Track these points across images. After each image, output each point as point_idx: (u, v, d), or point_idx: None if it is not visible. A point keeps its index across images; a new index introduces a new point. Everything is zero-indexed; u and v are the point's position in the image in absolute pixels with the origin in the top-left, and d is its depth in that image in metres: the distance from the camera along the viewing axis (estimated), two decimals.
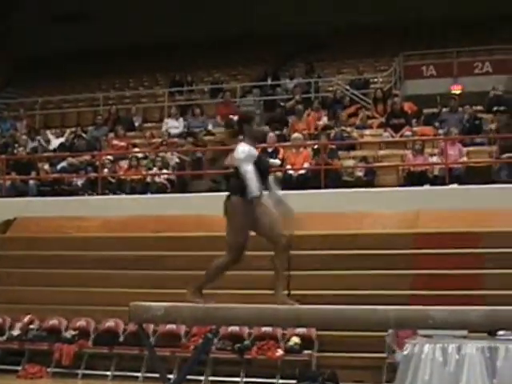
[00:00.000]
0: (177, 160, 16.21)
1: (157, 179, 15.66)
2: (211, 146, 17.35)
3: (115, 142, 17.49)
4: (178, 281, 12.00)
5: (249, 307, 6.54)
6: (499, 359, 7.45)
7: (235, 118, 6.90)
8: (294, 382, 11.04)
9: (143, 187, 15.52)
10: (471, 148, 14.90)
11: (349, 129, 16.44)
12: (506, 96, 17.12)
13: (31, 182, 16.38)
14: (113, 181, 15.94)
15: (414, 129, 16.12)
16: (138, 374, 11.70)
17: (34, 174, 16.62)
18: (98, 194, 15.40)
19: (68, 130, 19.08)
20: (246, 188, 6.36)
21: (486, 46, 19.71)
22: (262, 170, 6.51)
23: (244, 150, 6.45)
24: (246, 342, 11.59)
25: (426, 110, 17.28)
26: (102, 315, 12.55)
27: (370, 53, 21.57)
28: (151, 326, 11.79)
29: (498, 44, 19.53)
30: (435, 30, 21.16)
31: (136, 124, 19.41)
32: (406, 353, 8.15)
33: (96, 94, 21.81)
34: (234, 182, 6.57)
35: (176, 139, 17.49)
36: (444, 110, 16.74)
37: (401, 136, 15.79)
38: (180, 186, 15.55)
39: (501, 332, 8.45)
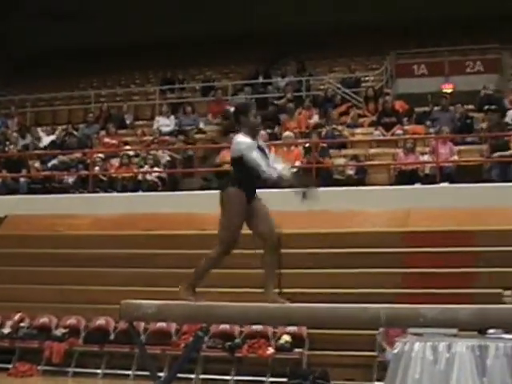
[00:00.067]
0: (168, 158, 16.20)
1: (148, 177, 15.65)
2: (202, 144, 17.34)
3: (106, 139, 17.47)
4: (170, 279, 11.99)
5: (240, 305, 6.53)
6: (489, 358, 7.45)
7: (232, 109, 6.85)
8: (285, 380, 11.04)
9: (134, 185, 15.50)
10: (462, 147, 14.93)
11: (340, 127, 16.47)
12: (497, 95, 17.15)
13: (22, 179, 16.35)
14: (104, 179, 15.91)
15: (406, 127, 16.14)
16: (129, 372, 11.70)
17: (24, 171, 16.58)
18: (88, 192, 15.37)
19: (59, 128, 19.06)
20: (243, 179, 6.37)
21: (478, 46, 19.75)
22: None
23: (244, 139, 6.44)
24: (237, 340, 11.59)
25: (417, 109, 17.30)
26: (92, 313, 12.54)
27: (362, 51, 21.59)
28: (142, 324, 11.79)
29: (489, 43, 19.57)
30: (427, 28, 21.16)
31: (127, 122, 19.39)
32: (396, 351, 8.13)
33: (87, 92, 21.79)
34: (232, 174, 6.57)
35: (167, 137, 17.49)
36: (435, 108, 16.76)
37: (392, 135, 15.81)
38: (171, 184, 15.55)
39: (491, 330, 8.47)
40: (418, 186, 13.83)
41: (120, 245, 13.33)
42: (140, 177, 15.74)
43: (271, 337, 11.55)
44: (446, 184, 13.62)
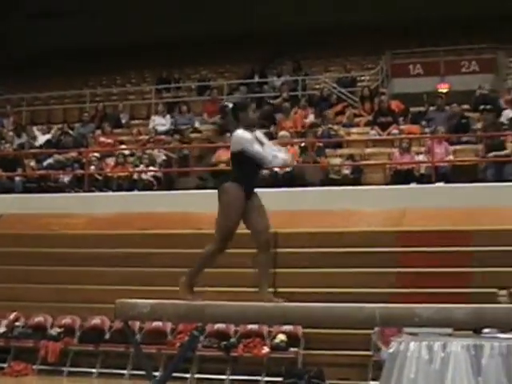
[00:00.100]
0: (163, 157, 16.19)
1: (143, 176, 15.63)
2: (198, 143, 17.34)
3: (102, 138, 17.45)
4: (165, 278, 12.00)
5: (235, 304, 6.53)
6: (484, 357, 7.46)
7: (230, 105, 6.84)
8: (280, 379, 11.06)
9: (130, 184, 15.48)
10: (458, 147, 14.94)
11: (336, 127, 16.47)
12: (492, 95, 17.17)
13: (17, 178, 16.32)
14: (99, 178, 15.89)
15: (401, 127, 16.15)
16: (124, 372, 11.70)
17: (20, 170, 16.56)
18: (84, 191, 15.35)
19: (55, 127, 19.04)
20: (242, 175, 6.39)
21: (473, 45, 19.77)
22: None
23: (244, 134, 6.45)
24: (232, 340, 11.61)
25: (412, 109, 17.31)
26: (87, 312, 12.55)
27: (358, 51, 21.59)
28: (137, 324, 11.80)
29: (484, 43, 19.60)
30: (422, 28, 21.18)
31: (123, 121, 19.36)
32: (391, 350, 8.14)
33: (83, 91, 21.74)
34: (231, 170, 6.58)
35: (163, 136, 17.48)
36: (431, 108, 16.77)
37: (388, 134, 15.82)
38: (167, 183, 15.53)
39: (486, 330, 8.48)
40: (413, 185, 13.84)
41: (115, 244, 13.32)
42: (135, 176, 15.72)
43: (266, 336, 11.56)
44: (441, 184, 13.63)
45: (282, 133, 15.68)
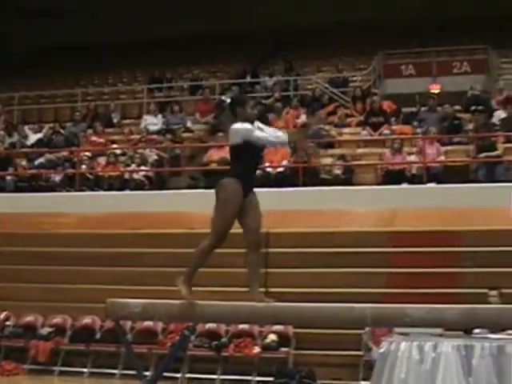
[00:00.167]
0: (155, 157, 16.17)
1: (135, 176, 15.61)
2: (190, 142, 17.32)
3: (93, 138, 17.41)
4: (157, 278, 12.01)
5: (226, 304, 6.53)
6: (475, 357, 7.49)
7: (228, 100, 6.79)
8: (271, 379, 11.06)
9: (121, 184, 15.45)
10: (449, 147, 14.97)
11: (327, 127, 16.47)
12: (484, 96, 17.21)
13: (8, 177, 16.28)
14: (91, 177, 15.86)
15: (393, 127, 16.17)
16: (115, 371, 11.69)
17: (11, 169, 16.52)
18: (75, 191, 15.32)
19: (46, 126, 18.99)
20: (241, 171, 6.34)
21: (465, 46, 19.82)
22: (257, 150, 6.51)
23: (242, 125, 6.38)
24: (223, 340, 11.61)
25: (404, 109, 17.33)
26: (78, 312, 12.52)
27: (350, 51, 21.61)
28: (128, 323, 11.78)
29: (476, 44, 19.64)
30: (414, 29, 21.21)
31: (114, 120, 19.33)
32: (382, 350, 8.16)
33: (74, 90, 21.70)
34: (230, 166, 6.52)
35: (155, 136, 17.46)
36: (423, 109, 16.80)
37: (379, 135, 15.84)
38: (158, 182, 15.52)
39: (476, 330, 8.50)
40: (404, 186, 13.85)
41: (107, 243, 13.30)
42: (127, 175, 15.70)
43: (257, 336, 11.57)
44: (432, 184, 13.65)
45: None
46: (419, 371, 7.59)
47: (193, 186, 14.72)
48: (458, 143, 15.31)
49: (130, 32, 22.96)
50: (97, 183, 15.65)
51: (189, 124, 18.26)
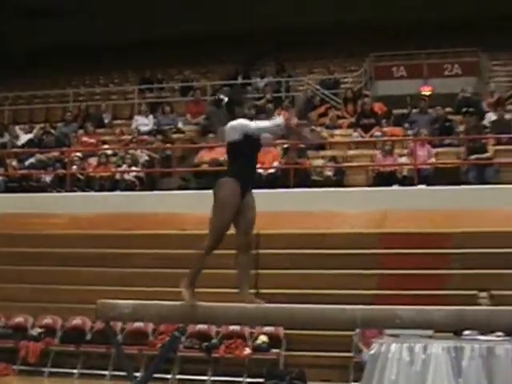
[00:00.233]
0: (146, 157, 16.15)
1: (126, 177, 15.58)
2: (181, 143, 17.31)
3: (84, 138, 17.38)
4: (147, 279, 12.01)
5: (217, 306, 6.52)
6: (465, 359, 7.52)
7: (225, 99, 6.74)
8: (262, 380, 11.06)
9: (112, 184, 15.43)
10: (440, 149, 15.00)
11: (319, 128, 16.48)
12: (475, 98, 17.25)
13: None
14: (82, 178, 15.83)
15: (384, 129, 16.18)
16: (105, 372, 11.66)
17: (1, 169, 16.47)
18: (66, 191, 15.29)
19: (37, 126, 18.95)
20: (239, 170, 6.32)
21: (456, 49, 19.86)
22: (255, 145, 6.50)
23: (239, 121, 6.37)
24: (214, 341, 11.59)
25: (395, 111, 17.35)
26: (68, 313, 12.49)
27: (341, 53, 21.62)
28: (119, 324, 11.76)
29: (467, 46, 19.69)
30: (406, 31, 21.23)
31: (106, 121, 19.30)
32: (372, 352, 8.19)
33: (66, 91, 21.65)
34: (228, 166, 6.51)
35: (146, 137, 17.43)
36: (414, 111, 16.83)
37: (370, 136, 15.85)
38: (149, 183, 15.49)
39: (466, 332, 8.53)
40: (395, 187, 13.87)
41: (97, 244, 13.28)
42: (118, 176, 15.67)
43: (248, 337, 11.56)
44: (423, 186, 13.68)
45: (265, 134, 15.63)
46: (409, 373, 7.62)
47: (184, 187, 14.71)
48: (449, 145, 15.35)
49: (122, 33, 22.91)
50: (88, 184, 15.62)
51: (180, 125, 18.25)
